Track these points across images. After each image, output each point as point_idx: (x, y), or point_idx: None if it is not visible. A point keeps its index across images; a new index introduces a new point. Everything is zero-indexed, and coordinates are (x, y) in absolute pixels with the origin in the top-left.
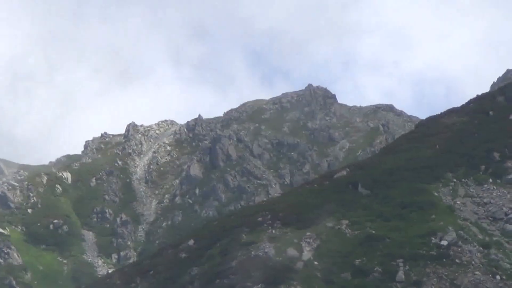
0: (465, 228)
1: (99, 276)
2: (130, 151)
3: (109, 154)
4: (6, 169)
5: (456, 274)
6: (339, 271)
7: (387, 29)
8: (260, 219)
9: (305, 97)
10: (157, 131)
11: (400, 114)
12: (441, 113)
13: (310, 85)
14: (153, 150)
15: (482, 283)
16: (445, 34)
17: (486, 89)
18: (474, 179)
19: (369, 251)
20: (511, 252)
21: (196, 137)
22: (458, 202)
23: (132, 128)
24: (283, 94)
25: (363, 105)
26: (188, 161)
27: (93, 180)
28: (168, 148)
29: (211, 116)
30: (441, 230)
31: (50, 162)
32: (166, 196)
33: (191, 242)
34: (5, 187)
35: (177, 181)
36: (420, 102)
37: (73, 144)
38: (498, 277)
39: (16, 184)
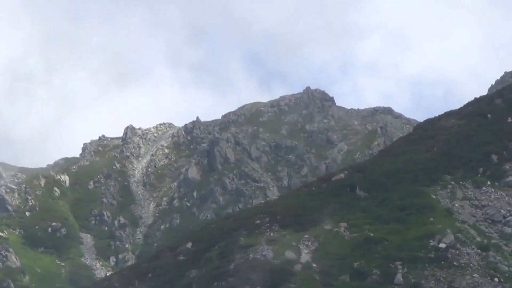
0: (463, 231)
1: (97, 279)
2: (128, 154)
3: (107, 157)
4: (4, 172)
5: (454, 276)
6: (338, 274)
7: (385, 31)
8: (258, 221)
9: (303, 99)
10: (155, 134)
11: (398, 116)
12: (439, 116)
13: (308, 88)
14: (151, 153)
15: (480, 285)
16: (444, 36)
17: (485, 91)
18: (472, 182)
19: (367, 253)
20: (509, 255)
21: (194, 140)
22: (456, 205)
23: (130, 130)
24: (281, 97)
25: (361, 107)
26: (186, 164)
27: (91, 183)
28: (166, 151)
29: (209, 119)
30: (439, 232)
31: (48, 165)
32: (164, 199)
33: (189, 244)
34: (3, 190)
35: (175, 184)
36: (419, 104)
37: (71, 146)
38: (496, 279)
39: (14, 187)
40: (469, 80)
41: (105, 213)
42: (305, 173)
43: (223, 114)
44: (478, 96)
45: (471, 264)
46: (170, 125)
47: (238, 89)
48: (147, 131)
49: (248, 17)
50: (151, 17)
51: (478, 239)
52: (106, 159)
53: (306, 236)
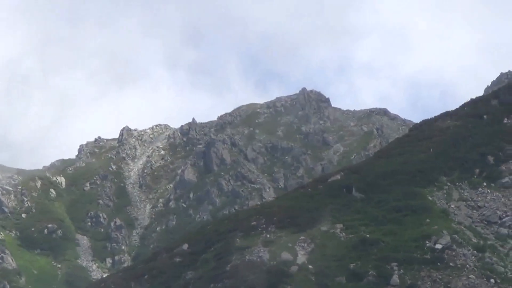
0: (460, 232)
1: (94, 280)
2: (124, 155)
3: (103, 159)
4: (0, 174)
5: (450, 277)
6: (334, 275)
7: (382, 32)
8: (254, 223)
9: (299, 101)
10: (151, 135)
11: (394, 118)
12: (435, 117)
13: (304, 89)
14: (147, 154)
15: (477, 286)
16: (441, 37)
17: (481, 92)
18: (468, 183)
19: (364, 255)
20: (505, 256)
21: (190, 141)
22: (452, 206)
23: (126, 132)
24: (277, 98)
25: (357, 109)
26: (182, 165)
27: (87, 184)
28: (162, 152)
29: (205, 120)
30: (436, 233)
31: (44, 167)
32: (160, 200)
33: (185, 246)
34: None
35: (171, 185)
36: (415, 105)
37: (69, 148)
38: (492, 280)
39: (10, 188)
40: (466, 81)
41: (101, 214)
42: (301, 175)
43: (219, 116)
44: (474, 97)
45: (467, 265)
46: (166, 126)
47: (235, 90)
48: (143, 133)
49: (245, 18)
50: (148, 18)
51: (474, 240)
52: (102, 161)
53: (302, 237)
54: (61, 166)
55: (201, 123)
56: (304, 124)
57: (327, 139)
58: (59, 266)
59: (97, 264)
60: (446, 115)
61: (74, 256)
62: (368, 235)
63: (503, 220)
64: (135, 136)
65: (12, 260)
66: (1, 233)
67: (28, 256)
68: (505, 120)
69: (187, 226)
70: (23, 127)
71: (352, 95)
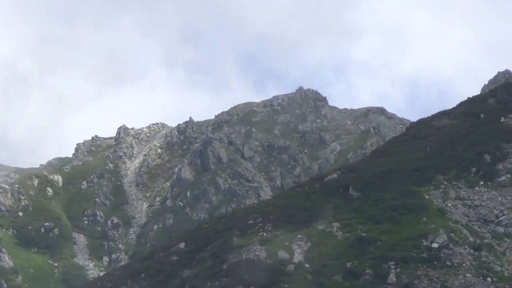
0: (456, 231)
1: (90, 279)
2: (121, 154)
3: (100, 157)
4: None
5: (447, 276)
6: (330, 274)
7: (379, 32)
8: (251, 221)
9: (296, 99)
10: (147, 134)
11: (391, 116)
12: (432, 116)
13: (301, 88)
14: (144, 153)
15: (473, 285)
16: (438, 36)
17: (478, 91)
18: (465, 182)
19: (360, 253)
20: (502, 255)
21: (187, 139)
22: (449, 205)
23: (123, 131)
24: (274, 96)
25: (354, 107)
26: (179, 164)
27: (84, 183)
28: (159, 151)
29: (202, 119)
30: (432, 232)
31: (41, 165)
32: (157, 199)
33: (182, 245)
34: None
35: (168, 184)
36: (413, 104)
37: (66, 146)
38: (489, 279)
39: (7, 187)
40: (464, 80)
41: (98, 213)
42: (298, 173)
43: (216, 114)
44: (471, 96)
45: (464, 264)
46: (163, 125)
47: (232, 89)
48: (140, 131)
49: (243, 17)
50: (145, 17)
51: (471, 239)
52: (99, 159)
53: (299, 236)
54: (58, 165)
55: (198, 121)
56: (301, 122)
57: (324, 137)
58: (56, 264)
59: (94, 262)
60: (443, 114)
61: (71, 254)
62: (364, 234)
63: (500, 219)
64: (132, 135)
65: (9, 258)
66: None
67: (25, 255)
68: (502, 119)
69: (184, 225)
70: (21, 127)
71: (349, 94)
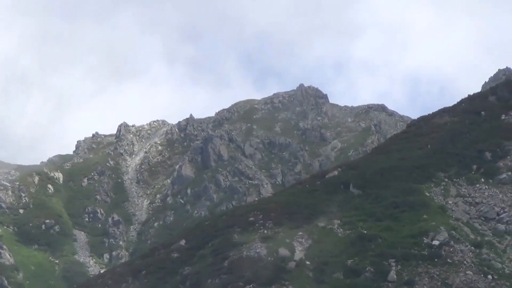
0: (457, 228)
1: (91, 276)
2: (121, 151)
3: (100, 154)
4: None
5: (448, 273)
6: (331, 271)
7: (380, 29)
8: (252, 219)
9: (297, 97)
10: (148, 131)
11: (392, 114)
12: (432, 113)
13: (301, 85)
14: (144, 150)
15: (474, 282)
16: (439, 34)
17: (479, 89)
18: (466, 179)
19: (361, 251)
20: (502, 252)
21: (187, 137)
22: (450, 202)
23: (123, 128)
24: (274, 94)
25: (355, 105)
26: (179, 161)
27: (85, 180)
28: (160, 148)
29: (203, 116)
30: (433, 230)
31: (42, 162)
32: (158, 196)
33: (182, 242)
34: None
35: (169, 181)
36: (414, 102)
37: (68, 143)
38: (490, 276)
39: (7, 184)
40: (465, 78)
41: (98, 210)
42: (299, 171)
43: (217, 111)
44: (471, 94)
45: (464, 262)
46: (164, 122)
47: (233, 87)
48: (140, 128)
49: (244, 15)
50: (146, 14)
51: (472, 236)
52: (99, 156)
53: (300, 233)
54: (59, 162)
55: (199, 118)
56: (301, 120)
57: (325, 135)
58: (57, 261)
59: (94, 259)
60: (444, 111)
61: (72, 251)
62: (365, 231)
63: (501, 216)
64: (132, 132)
65: (10, 255)
66: None
67: (26, 252)
68: (503, 117)
69: (184, 222)
70: (22, 124)
71: (350, 92)
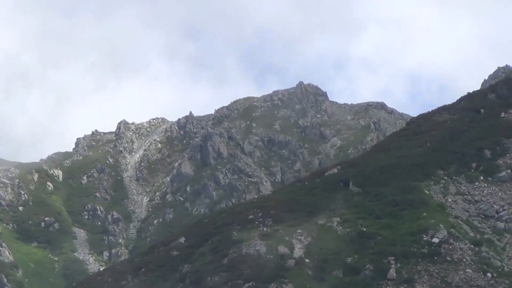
0: (456, 226)
1: (91, 273)
2: (121, 148)
3: (100, 152)
4: None
5: (447, 271)
6: (331, 269)
7: (380, 27)
8: (251, 216)
9: (296, 94)
10: (148, 129)
11: (391, 112)
12: (432, 111)
13: (301, 83)
14: (144, 147)
15: (473, 280)
16: (440, 31)
17: (479, 86)
18: (465, 177)
19: (361, 248)
20: (502, 250)
21: (187, 134)
22: (449, 200)
23: (123, 125)
24: (274, 91)
25: (355, 102)
26: (179, 159)
27: (84, 177)
28: (159, 145)
29: (203, 113)
30: (432, 227)
31: (41, 160)
32: (157, 193)
33: (182, 239)
34: None
35: (168, 178)
36: (413, 99)
37: (68, 141)
38: (489, 274)
39: (7, 181)
40: (464, 76)
41: (98, 207)
42: (298, 168)
43: (216, 109)
44: (471, 91)
45: (464, 259)
46: (163, 119)
47: (233, 84)
48: (140, 126)
49: (244, 13)
50: (146, 11)
51: (471, 234)
52: (99, 154)
53: (299, 231)
54: (58, 159)
55: (198, 116)
56: (301, 117)
57: (324, 132)
58: (56, 259)
59: (94, 257)
60: (443, 109)
61: (71, 249)
62: (365, 229)
63: (500, 214)
64: (132, 129)
65: (9, 253)
66: None
67: (25, 249)
68: (502, 114)
69: (184, 220)
70: (22, 122)
71: (349, 89)
